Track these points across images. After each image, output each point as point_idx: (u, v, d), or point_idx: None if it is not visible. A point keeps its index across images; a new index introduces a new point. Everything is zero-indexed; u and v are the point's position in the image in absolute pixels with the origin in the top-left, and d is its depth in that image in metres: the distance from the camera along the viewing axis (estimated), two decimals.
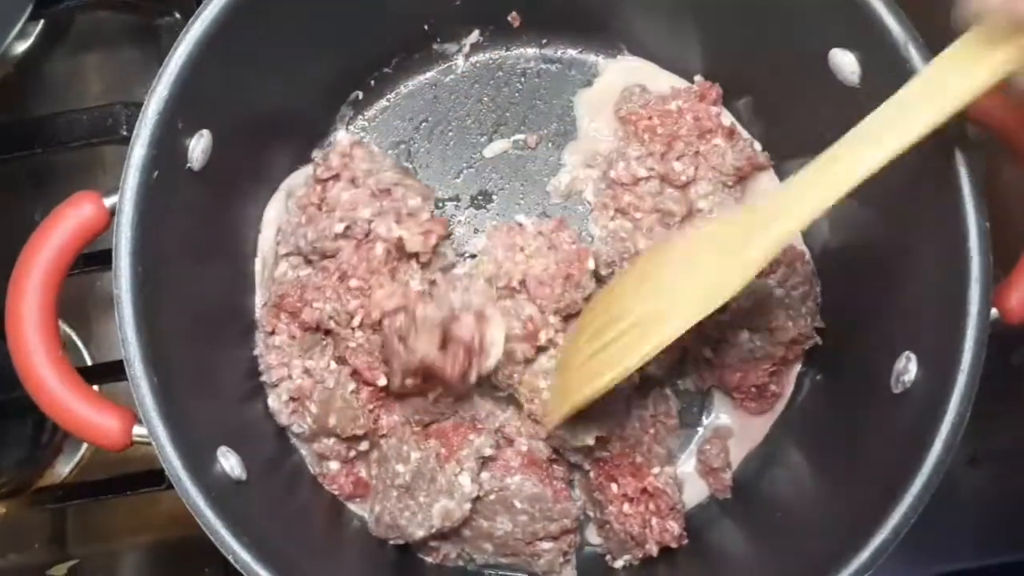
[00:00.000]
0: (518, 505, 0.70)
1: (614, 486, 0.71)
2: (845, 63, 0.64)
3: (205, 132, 0.64)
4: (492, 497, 0.70)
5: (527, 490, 0.70)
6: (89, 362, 0.86)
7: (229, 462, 0.62)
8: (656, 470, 0.72)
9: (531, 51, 0.81)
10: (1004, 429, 0.83)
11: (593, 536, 0.75)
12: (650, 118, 0.75)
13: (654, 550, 0.70)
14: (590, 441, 0.68)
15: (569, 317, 0.71)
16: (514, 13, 0.79)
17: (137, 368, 0.58)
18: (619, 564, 0.73)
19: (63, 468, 0.85)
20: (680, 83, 0.78)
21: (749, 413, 0.76)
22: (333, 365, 0.71)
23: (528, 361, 0.69)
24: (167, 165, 0.61)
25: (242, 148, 0.69)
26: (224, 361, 0.69)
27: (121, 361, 0.58)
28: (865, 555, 0.58)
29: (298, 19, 0.68)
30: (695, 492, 0.76)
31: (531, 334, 0.68)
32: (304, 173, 0.77)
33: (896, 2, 0.60)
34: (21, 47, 0.90)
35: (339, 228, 0.69)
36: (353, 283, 0.69)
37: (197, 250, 0.66)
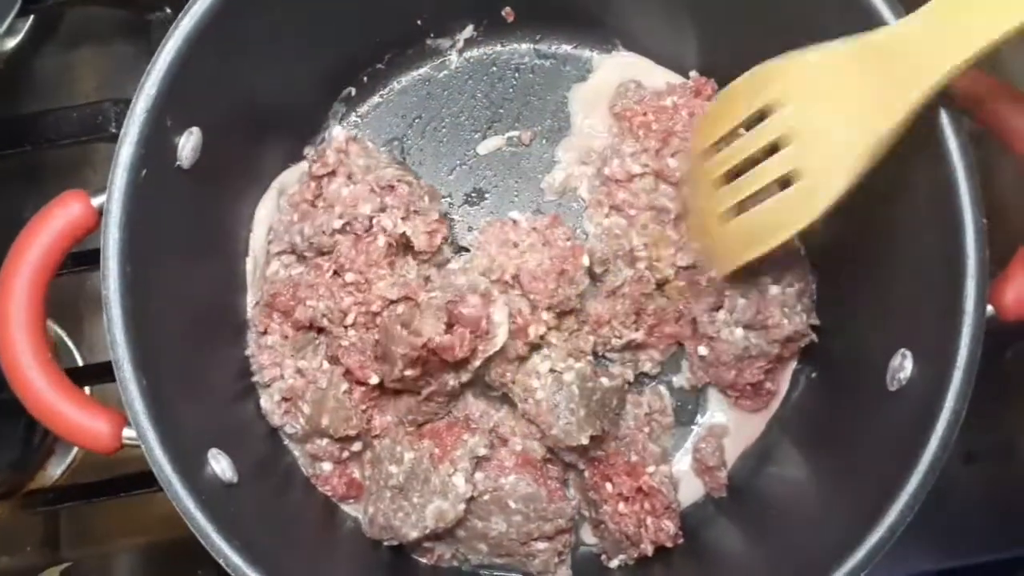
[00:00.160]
0: (512, 505, 0.69)
1: (609, 485, 0.71)
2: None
3: (195, 130, 0.63)
4: (486, 497, 0.69)
5: (521, 490, 0.70)
6: (80, 363, 0.85)
7: (220, 464, 0.62)
8: (651, 469, 0.71)
9: (525, 47, 0.80)
10: (1000, 426, 0.83)
11: (588, 536, 0.75)
12: (645, 114, 0.75)
13: (649, 550, 0.69)
14: (584, 440, 0.67)
15: (563, 314, 0.70)
16: (508, 8, 0.78)
17: (126, 370, 0.57)
18: (614, 564, 0.72)
19: (55, 470, 0.85)
20: (675, 79, 0.78)
21: (744, 411, 0.76)
22: (326, 365, 0.71)
23: (521, 359, 0.69)
24: (156, 164, 0.60)
25: (233, 145, 0.68)
26: (215, 362, 0.69)
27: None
28: (861, 553, 0.58)
29: (290, 14, 0.68)
30: (690, 491, 0.75)
31: (520, 329, 0.68)
32: (296, 171, 0.76)
33: None
34: (11, 43, 0.89)
35: (337, 224, 0.69)
36: (349, 277, 0.68)
37: (187, 250, 0.66)
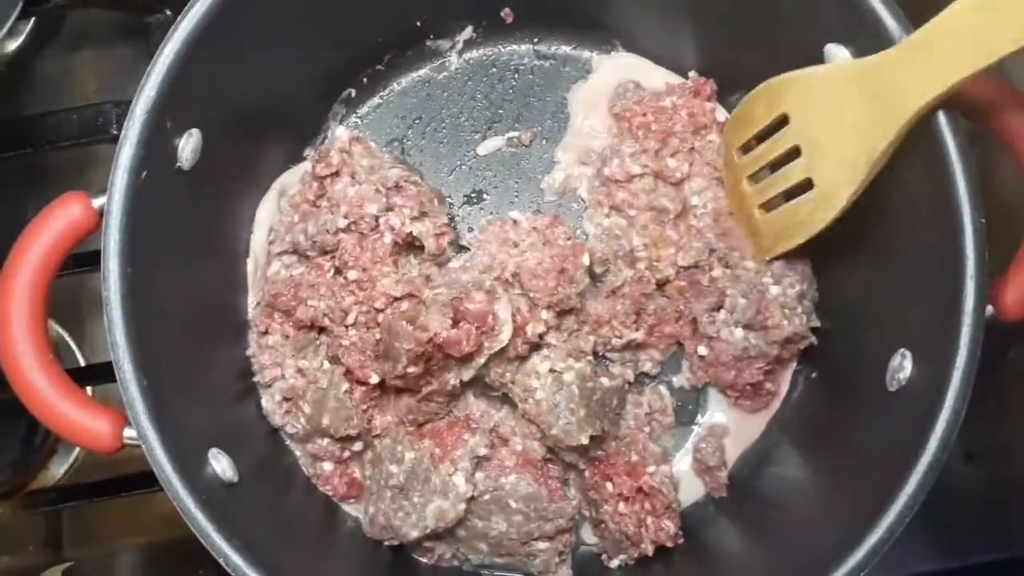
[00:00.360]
0: (513, 505, 0.69)
1: (609, 485, 0.71)
2: (840, 58, 0.63)
3: (195, 131, 0.63)
4: (487, 497, 0.69)
5: (522, 490, 0.70)
6: (82, 363, 0.85)
7: (220, 464, 0.62)
8: (651, 469, 0.71)
9: (525, 47, 0.80)
10: (1001, 426, 0.83)
11: (589, 535, 0.75)
12: (644, 115, 0.75)
13: (650, 549, 0.69)
14: (584, 440, 0.67)
15: (562, 313, 0.70)
16: (507, 9, 0.78)
17: (126, 370, 0.57)
18: (615, 564, 0.72)
19: (57, 470, 0.85)
20: (675, 79, 0.78)
21: (744, 411, 0.76)
22: (326, 365, 0.71)
23: (520, 359, 0.69)
24: (156, 165, 0.60)
25: (233, 147, 0.68)
26: (216, 362, 0.69)
27: None
28: (861, 553, 0.58)
29: (289, 15, 0.68)
30: (691, 491, 0.75)
31: (519, 327, 0.68)
32: (297, 171, 0.76)
33: None
34: (12, 45, 0.90)
35: (342, 223, 0.69)
36: (352, 275, 0.69)
37: (188, 251, 0.66)
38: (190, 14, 0.61)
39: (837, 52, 0.63)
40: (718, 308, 0.73)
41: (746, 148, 0.71)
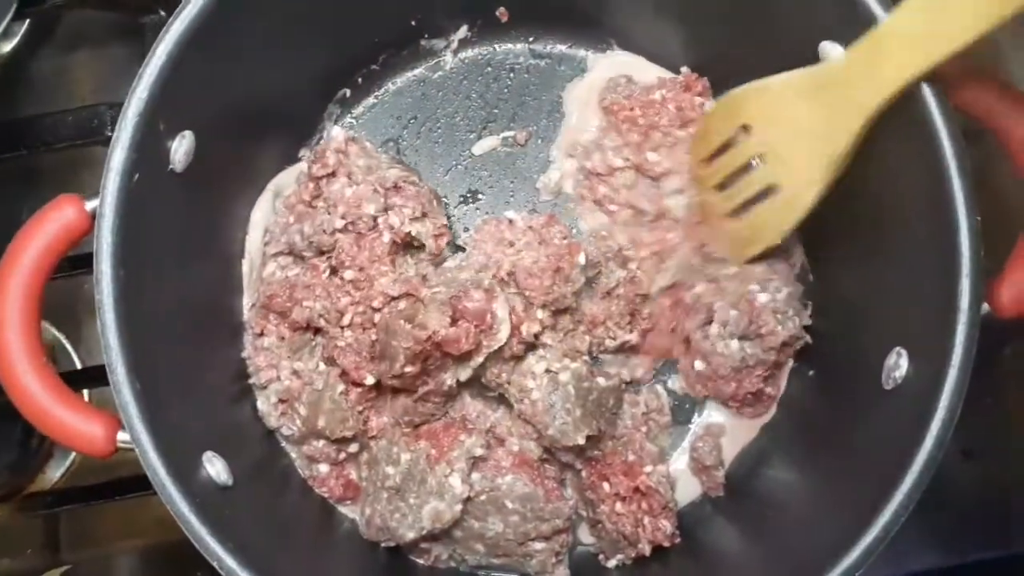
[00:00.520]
0: (509, 505, 0.69)
1: (606, 485, 0.70)
2: (834, 56, 0.63)
3: (188, 133, 0.63)
4: (483, 498, 0.69)
5: (518, 490, 0.69)
6: (79, 366, 0.85)
7: (215, 467, 0.62)
8: (648, 468, 0.71)
9: (520, 47, 0.80)
10: (999, 423, 0.83)
11: (586, 536, 0.75)
12: (632, 109, 0.75)
13: (647, 549, 0.69)
14: (581, 440, 0.67)
15: (558, 313, 0.70)
16: (502, 8, 0.78)
17: (119, 374, 0.57)
18: (612, 564, 0.72)
19: (54, 473, 0.85)
20: (669, 76, 0.78)
21: (747, 418, 0.76)
22: (322, 366, 0.71)
23: (516, 359, 0.69)
24: (149, 168, 0.60)
25: (227, 148, 0.68)
26: (211, 364, 0.69)
27: None
28: (857, 552, 0.58)
29: (283, 15, 0.68)
30: (688, 490, 0.75)
31: (514, 327, 0.67)
32: (292, 172, 0.76)
33: None
34: (7, 47, 0.90)
35: (339, 223, 0.69)
36: (348, 275, 0.68)
37: (182, 253, 0.66)
38: (182, 15, 0.61)
39: (832, 50, 0.63)
40: (709, 322, 0.72)
41: (711, 159, 0.71)
